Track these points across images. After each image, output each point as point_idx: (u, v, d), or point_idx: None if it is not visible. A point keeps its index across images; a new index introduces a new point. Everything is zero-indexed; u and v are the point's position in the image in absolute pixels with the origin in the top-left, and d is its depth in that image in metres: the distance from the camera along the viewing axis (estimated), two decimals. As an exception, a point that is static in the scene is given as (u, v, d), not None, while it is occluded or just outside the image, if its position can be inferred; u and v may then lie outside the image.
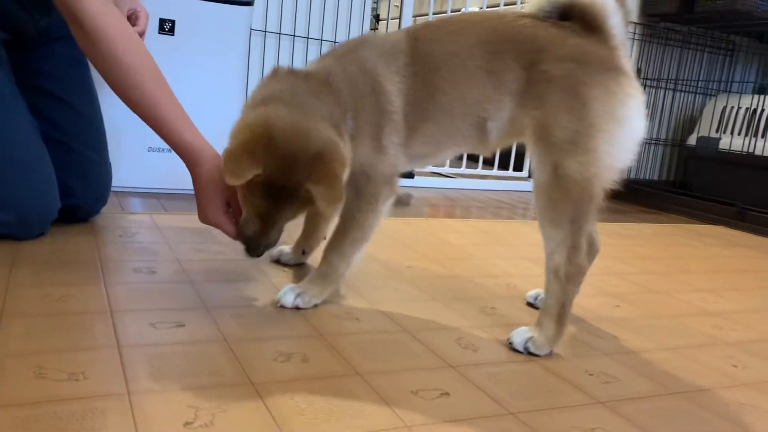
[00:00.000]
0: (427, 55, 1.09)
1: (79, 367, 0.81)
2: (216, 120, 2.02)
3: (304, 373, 0.86)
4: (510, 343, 1.04)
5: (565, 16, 1.06)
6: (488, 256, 1.64)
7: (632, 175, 3.16)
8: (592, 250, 1.20)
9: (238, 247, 1.10)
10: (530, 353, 1.02)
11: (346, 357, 0.93)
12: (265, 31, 2.39)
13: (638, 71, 3.07)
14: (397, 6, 2.87)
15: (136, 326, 0.96)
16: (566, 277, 1.02)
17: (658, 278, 1.61)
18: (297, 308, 1.11)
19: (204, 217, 1.16)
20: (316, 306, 1.13)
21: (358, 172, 1.08)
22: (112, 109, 1.82)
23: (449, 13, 3.02)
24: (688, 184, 3.07)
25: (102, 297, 1.06)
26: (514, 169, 3.10)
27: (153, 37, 1.87)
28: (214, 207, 1.14)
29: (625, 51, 1.07)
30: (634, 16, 2.99)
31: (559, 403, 0.86)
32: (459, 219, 2.14)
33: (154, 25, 1.87)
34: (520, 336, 1.04)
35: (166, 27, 1.89)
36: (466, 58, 1.07)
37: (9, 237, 1.31)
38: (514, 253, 1.70)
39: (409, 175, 2.81)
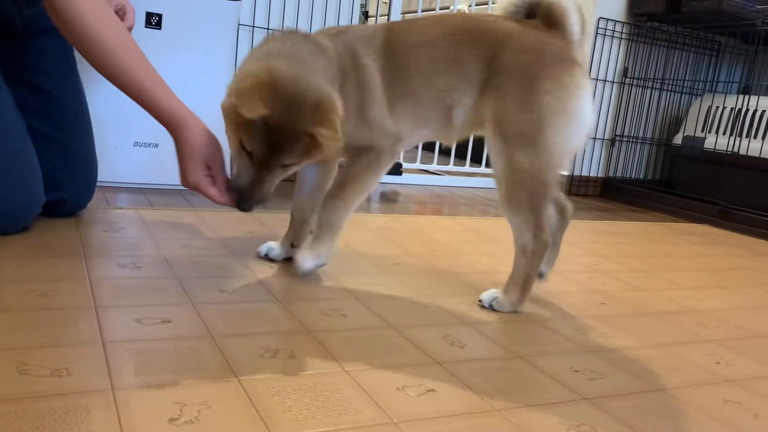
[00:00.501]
0: (400, 42, 1.17)
1: (63, 363, 0.80)
2: (203, 114, 2.01)
3: (290, 369, 0.86)
4: (480, 301, 1.21)
5: (530, 14, 1.16)
6: (476, 253, 1.64)
7: (619, 174, 3.18)
8: (565, 215, 1.35)
9: (225, 242, 1.10)
10: (493, 309, 1.19)
11: (333, 353, 0.93)
12: (253, 26, 2.38)
13: (625, 70, 3.08)
14: (385, 3, 2.86)
15: (121, 322, 0.95)
16: (532, 253, 1.15)
17: (644, 276, 1.62)
18: (317, 267, 1.23)
19: (186, 180, 1.19)
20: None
21: (354, 145, 1.16)
22: (98, 104, 1.80)
23: (437, 11, 3.02)
24: (673, 183, 3.09)
25: (86, 292, 1.05)
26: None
27: (140, 31, 1.86)
28: (198, 170, 1.18)
29: (581, 48, 1.15)
30: (621, 15, 3.01)
31: (545, 400, 0.87)
32: (446, 216, 2.15)
33: (140, 18, 1.85)
34: (488, 295, 1.21)
35: (153, 21, 1.87)
36: (434, 48, 1.15)
37: None
38: (501, 250, 1.70)
39: (397, 172, 2.80)
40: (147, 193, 1.87)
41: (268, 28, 2.40)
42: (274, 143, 1.05)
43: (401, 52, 1.17)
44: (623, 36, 3.04)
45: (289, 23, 2.43)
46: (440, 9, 3.10)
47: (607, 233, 2.16)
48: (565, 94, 1.09)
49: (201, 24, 1.94)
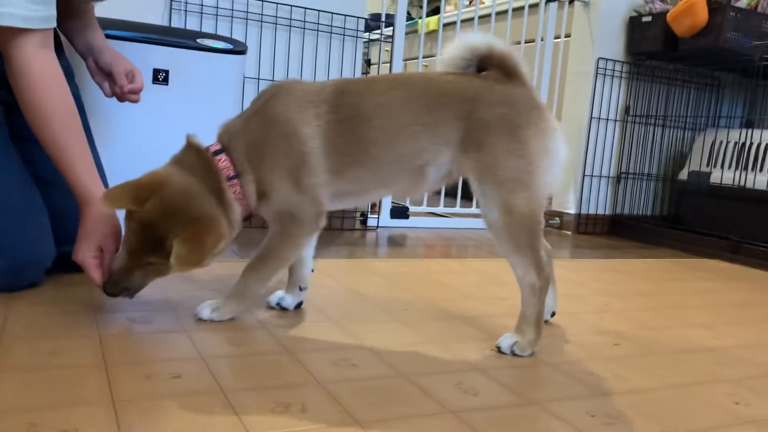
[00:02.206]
0: (356, 106, 1.20)
1: (73, 423, 0.79)
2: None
3: (303, 423, 0.85)
4: (498, 348, 1.20)
5: (482, 67, 1.23)
6: (485, 296, 1.63)
7: (626, 211, 3.18)
8: (548, 252, 1.35)
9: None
10: (515, 355, 1.19)
11: (345, 405, 0.92)
12: (259, 78, 2.43)
13: (627, 109, 3.11)
14: (387, 51, 2.92)
15: (131, 379, 0.94)
16: (540, 290, 1.19)
17: (656, 314, 1.61)
18: (212, 320, 1.24)
19: (75, 255, 1.24)
20: (232, 319, 1.25)
21: (281, 211, 1.21)
22: (113, 159, 1.83)
23: (438, 59, 3.07)
24: (681, 218, 3.09)
25: (96, 349, 1.05)
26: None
27: (147, 88, 1.89)
28: (88, 250, 1.23)
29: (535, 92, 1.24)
30: (620, 55, 3.05)
31: (561, 447, 0.85)
32: (455, 259, 2.14)
33: (148, 75, 1.89)
34: (506, 341, 1.20)
35: (160, 77, 1.91)
36: (400, 112, 1.19)
37: None
38: (510, 292, 1.69)
39: (404, 215, 2.81)
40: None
41: (272, 80, 2.44)
42: (145, 241, 1.13)
43: (356, 117, 1.19)
44: (623, 75, 3.08)
45: (293, 74, 2.48)
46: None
47: (618, 272, 2.15)
48: (546, 138, 1.17)
49: (207, 78, 1.98)
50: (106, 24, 1.85)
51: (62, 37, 1.59)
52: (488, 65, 1.23)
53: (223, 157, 1.19)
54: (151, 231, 1.12)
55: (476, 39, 1.23)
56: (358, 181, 1.23)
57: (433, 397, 0.97)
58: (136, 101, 1.55)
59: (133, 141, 1.85)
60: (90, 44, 1.54)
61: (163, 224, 1.11)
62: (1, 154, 1.34)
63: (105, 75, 1.54)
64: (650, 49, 2.95)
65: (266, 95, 1.24)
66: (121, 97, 1.55)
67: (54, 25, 1.25)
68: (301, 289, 1.37)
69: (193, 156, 1.19)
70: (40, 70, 1.23)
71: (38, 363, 0.97)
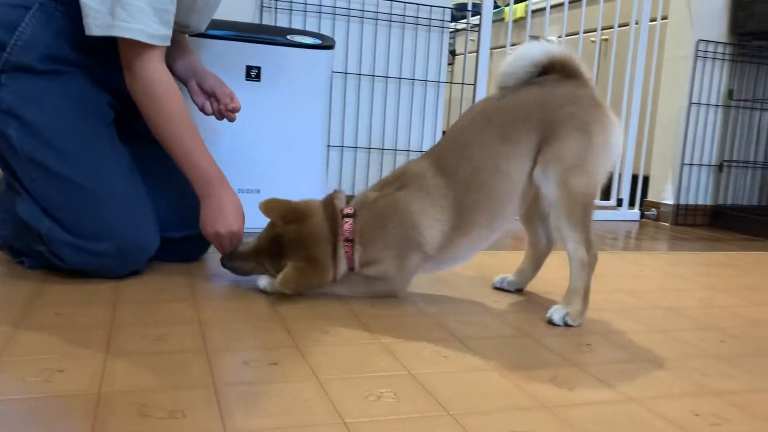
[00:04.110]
0: (451, 171, 1.34)
1: (179, 405, 0.83)
2: (300, 160, 2.08)
3: (395, 412, 0.85)
4: (550, 320, 1.28)
5: (544, 71, 1.33)
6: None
7: (729, 201, 3.00)
8: (550, 245, 1.49)
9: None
10: (567, 325, 1.27)
11: (437, 396, 0.91)
12: (346, 73, 2.46)
13: (730, 93, 2.93)
14: (473, 40, 2.88)
15: (231, 365, 0.98)
16: (589, 265, 1.29)
17: (765, 310, 1.51)
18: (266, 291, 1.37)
19: (233, 227, 1.40)
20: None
21: (382, 276, 1.38)
22: (210, 152, 1.90)
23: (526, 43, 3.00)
24: (792, 209, 2.88)
25: (198, 336, 1.09)
26: (602, 198, 3.01)
27: (240, 84, 1.96)
28: (224, 224, 1.40)
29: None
30: (723, 36, 2.88)
31: (665, 447, 0.81)
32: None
33: (241, 72, 1.96)
34: (558, 313, 1.28)
35: (253, 74, 1.97)
36: (489, 155, 1.32)
37: (102, 272, 1.38)
38: (606, 285, 1.64)
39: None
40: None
41: (360, 74, 2.47)
42: (270, 247, 1.36)
43: (459, 188, 1.33)
44: (726, 57, 2.90)
45: (380, 67, 2.50)
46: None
47: (722, 265, 2.03)
48: (608, 133, 1.30)
49: (297, 73, 2.02)
50: (203, 24, 1.92)
51: None
52: (550, 70, 1.33)
53: (350, 221, 1.35)
54: (279, 245, 1.34)
55: (536, 51, 1.32)
56: (477, 238, 1.37)
57: (526, 391, 0.95)
58: (233, 120, 1.66)
59: (229, 136, 1.92)
60: (195, 68, 1.67)
61: (290, 247, 1.33)
62: (109, 147, 1.44)
63: (206, 96, 1.66)
64: (757, 28, 2.76)
65: (397, 183, 1.38)
66: (220, 115, 1.66)
67: (169, 44, 1.39)
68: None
69: (330, 209, 1.38)
70: (163, 80, 1.38)
71: (147, 348, 1.03)
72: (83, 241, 1.35)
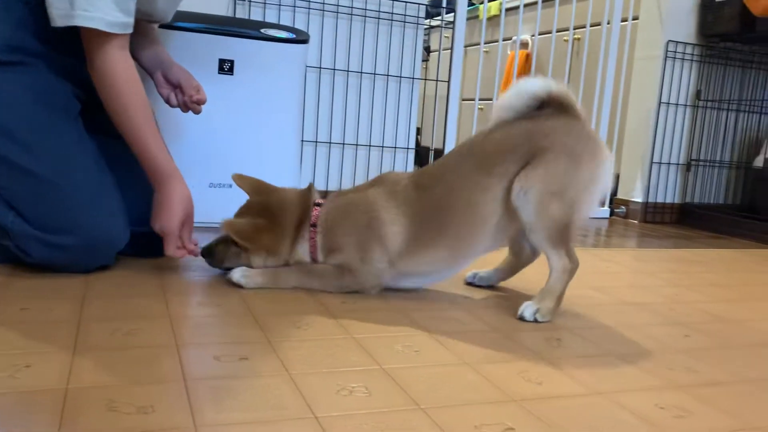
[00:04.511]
0: (429, 190, 1.35)
1: (148, 400, 0.83)
2: (273, 155, 2.07)
3: (367, 407, 0.86)
4: (521, 317, 1.30)
5: (540, 106, 1.35)
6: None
7: (696, 199, 3.07)
8: (526, 259, 1.51)
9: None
10: (537, 321, 1.29)
11: (408, 390, 0.92)
12: (320, 68, 2.45)
13: (698, 93, 2.99)
14: (447, 37, 2.89)
15: (201, 360, 0.97)
16: (570, 271, 1.32)
17: (729, 306, 1.54)
18: (239, 284, 1.38)
19: (169, 223, 1.39)
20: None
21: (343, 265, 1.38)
22: (175, 149, 1.88)
23: (500, 44, 3.02)
24: (755, 208, 2.95)
25: (168, 331, 1.08)
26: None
27: (213, 77, 1.94)
28: (174, 219, 1.39)
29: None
30: (692, 38, 2.93)
31: (630, 439, 0.83)
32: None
33: (214, 65, 1.94)
34: (529, 310, 1.30)
35: (225, 67, 1.96)
36: (468, 182, 1.33)
37: (70, 267, 1.36)
38: (575, 281, 1.65)
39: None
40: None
41: (334, 69, 2.46)
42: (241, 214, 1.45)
43: (432, 205, 1.35)
44: (694, 58, 2.96)
45: (354, 63, 2.49)
46: (503, 40, 3.10)
47: (688, 262, 2.08)
48: (598, 167, 1.31)
49: (270, 67, 2.01)
50: (174, 16, 1.90)
51: None
52: (546, 105, 1.34)
53: (318, 210, 1.40)
54: (249, 214, 1.41)
55: (535, 86, 1.34)
56: (438, 257, 1.37)
57: (495, 385, 0.96)
58: (198, 112, 1.65)
59: (201, 130, 1.91)
60: (160, 59, 1.65)
61: (256, 211, 1.39)
62: (74, 140, 1.42)
63: (172, 87, 1.64)
64: (724, 30, 2.82)
65: (371, 183, 1.43)
66: (185, 107, 1.64)
67: (131, 31, 1.36)
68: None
69: (305, 196, 1.43)
70: (122, 69, 1.36)
71: (115, 343, 1.01)
72: (49, 235, 1.32)
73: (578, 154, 1.29)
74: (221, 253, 1.43)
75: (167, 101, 1.64)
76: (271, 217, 1.39)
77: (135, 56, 1.67)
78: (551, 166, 1.27)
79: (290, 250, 1.39)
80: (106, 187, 1.43)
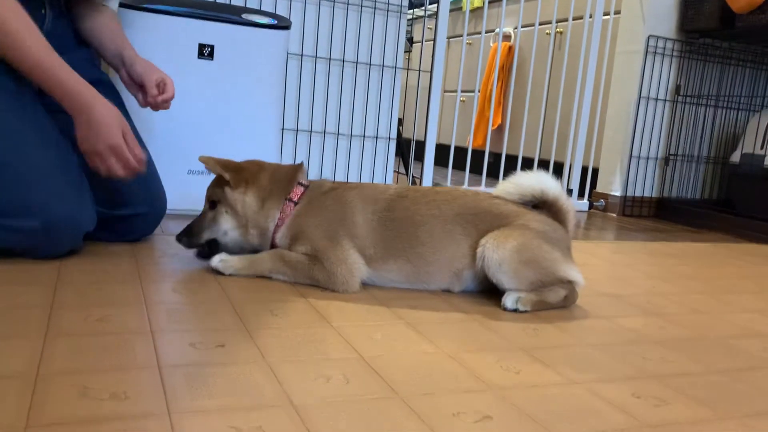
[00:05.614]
0: (410, 210, 1.37)
1: (122, 386, 0.81)
2: (253, 143, 2.05)
3: (344, 394, 0.85)
4: (504, 306, 1.30)
5: (534, 204, 1.41)
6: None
7: (674, 194, 3.10)
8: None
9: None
10: (518, 311, 1.30)
11: (386, 378, 0.92)
12: (302, 55, 2.43)
13: (677, 88, 3.02)
14: (430, 28, 2.88)
15: (177, 346, 0.96)
16: (565, 298, 1.36)
17: (704, 298, 1.56)
18: (217, 270, 1.38)
19: (110, 142, 1.31)
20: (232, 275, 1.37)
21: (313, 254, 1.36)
22: (152, 135, 1.86)
23: (482, 36, 3.02)
24: (731, 202, 2.99)
25: (143, 317, 1.07)
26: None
27: (193, 62, 1.91)
28: (115, 134, 1.31)
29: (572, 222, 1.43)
30: (672, 33, 2.95)
31: (605, 428, 0.84)
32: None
33: (193, 50, 1.91)
34: (511, 297, 1.31)
35: (206, 52, 1.93)
36: (447, 222, 1.36)
37: (35, 252, 1.32)
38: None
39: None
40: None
41: (316, 57, 2.44)
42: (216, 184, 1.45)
43: (411, 220, 1.36)
44: (674, 54, 2.98)
45: (336, 51, 2.47)
46: (486, 32, 3.10)
47: (665, 255, 2.10)
48: (569, 265, 1.36)
49: (251, 53, 1.99)
50: (153, 0, 1.87)
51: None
52: (541, 204, 1.40)
53: (302, 189, 1.43)
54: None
55: (532, 182, 1.39)
56: (400, 271, 1.37)
57: (473, 374, 0.96)
58: (167, 108, 1.58)
59: (179, 115, 1.88)
60: (121, 54, 1.57)
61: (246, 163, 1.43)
62: (31, 120, 1.35)
63: (138, 86, 1.57)
64: (704, 26, 2.84)
65: (352, 185, 1.45)
66: (154, 107, 1.57)
67: None
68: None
69: (296, 171, 1.45)
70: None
71: (88, 329, 1.00)
72: (8, 219, 1.28)
73: (557, 241, 1.34)
74: (197, 225, 1.42)
75: (138, 101, 1.58)
76: (257, 165, 1.44)
77: (100, 53, 1.61)
78: (525, 232, 1.31)
79: (262, 205, 1.40)
80: (67, 168, 1.36)
